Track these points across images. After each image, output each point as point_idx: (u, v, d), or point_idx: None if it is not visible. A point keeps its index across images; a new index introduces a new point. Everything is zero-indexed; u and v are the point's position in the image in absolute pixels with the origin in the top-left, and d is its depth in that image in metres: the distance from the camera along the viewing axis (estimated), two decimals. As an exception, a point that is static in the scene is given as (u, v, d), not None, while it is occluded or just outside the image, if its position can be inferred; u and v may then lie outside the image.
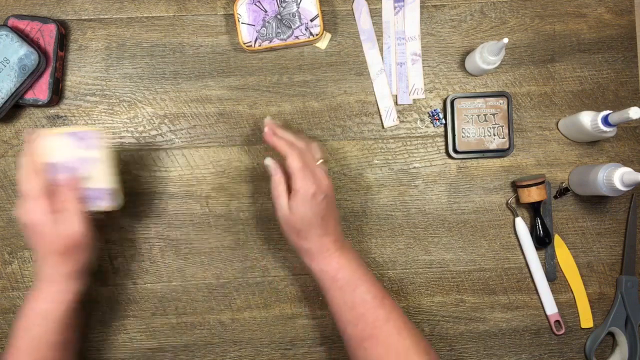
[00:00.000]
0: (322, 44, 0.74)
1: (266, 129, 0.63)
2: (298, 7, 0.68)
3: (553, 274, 0.75)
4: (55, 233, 0.58)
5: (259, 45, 0.67)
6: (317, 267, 0.62)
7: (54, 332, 0.60)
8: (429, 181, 0.76)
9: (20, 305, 0.73)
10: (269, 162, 0.63)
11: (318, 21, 0.69)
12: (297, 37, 0.68)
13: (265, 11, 0.66)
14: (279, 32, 0.67)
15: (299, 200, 0.60)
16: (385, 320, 0.59)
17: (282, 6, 0.67)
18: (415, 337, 0.60)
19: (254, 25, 0.66)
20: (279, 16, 0.67)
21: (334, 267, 0.61)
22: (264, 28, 0.66)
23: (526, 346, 0.75)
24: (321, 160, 0.63)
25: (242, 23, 0.67)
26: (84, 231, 0.59)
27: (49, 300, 0.60)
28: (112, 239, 0.73)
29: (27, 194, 0.59)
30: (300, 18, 0.68)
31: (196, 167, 0.74)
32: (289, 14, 0.67)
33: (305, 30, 0.68)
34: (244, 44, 0.67)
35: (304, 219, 0.60)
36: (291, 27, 0.67)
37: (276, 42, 0.68)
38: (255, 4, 0.66)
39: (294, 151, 0.61)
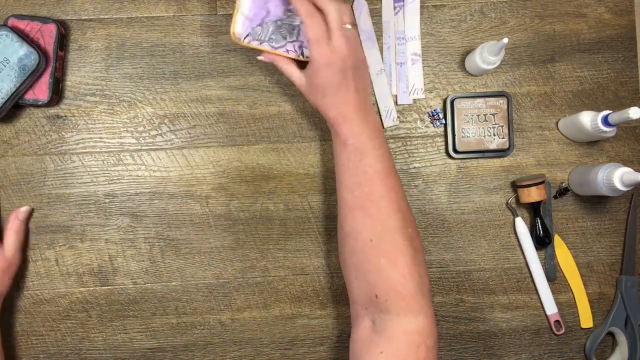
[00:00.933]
0: None
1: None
2: (302, 23, 0.65)
3: (553, 274, 0.75)
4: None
5: (248, 42, 0.64)
6: (332, 129, 0.63)
7: None
8: (429, 181, 0.76)
9: (20, 305, 0.73)
10: (262, 57, 0.64)
11: None
12: (287, 50, 0.65)
13: (269, 12, 0.64)
14: (272, 38, 0.64)
15: (314, 70, 0.60)
16: (380, 196, 0.59)
17: (287, 14, 0.65)
18: (405, 221, 0.60)
19: (251, 20, 0.63)
20: (279, 22, 0.64)
21: (346, 134, 0.61)
22: (259, 27, 0.64)
23: (526, 346, 0.76)
24: (348, 25, 0.61)
25: (240, 13, 0.63)
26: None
27: None
28: (112, 239, 0.73)
29: None
30: (299, 34, 0.66)
31: (196, 167, 0.74)
32: (290, 25, 0.65)
33: (299, 48, 0.66)
34: (234, 33, 0.63)
35: (319, 88, 0.61)
36: (286, 39, 0.65)
37: (265, 47, 0.64)
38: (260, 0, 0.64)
39: (308, 18, 0.59)
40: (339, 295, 0.75)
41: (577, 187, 0.74)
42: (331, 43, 0.59)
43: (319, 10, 0.61)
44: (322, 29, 0.60)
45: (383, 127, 0.75)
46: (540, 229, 0.74)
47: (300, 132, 0.75)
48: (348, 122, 0.61)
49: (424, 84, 0.76)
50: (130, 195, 0.73)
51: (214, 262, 0.74)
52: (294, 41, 0.65)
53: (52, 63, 0.71)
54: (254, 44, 0.64)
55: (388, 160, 0.62)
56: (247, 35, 0.64)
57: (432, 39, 0.77)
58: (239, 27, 0.63)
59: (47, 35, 0.71)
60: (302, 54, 0.65)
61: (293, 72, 0.64)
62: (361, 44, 0.65)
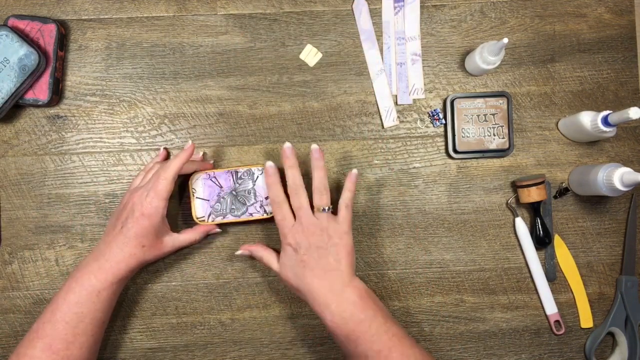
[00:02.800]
0: (312, 61, 0.75)
1: (288, 152, 0.65)
2: (254, 184, 0.69)
3: (553, 274, 0.75)
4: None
5: (212, 221, 0.68)
6: (320, 317, 0.63)
7: (102, 310, 0.63)
8: (429, 181, 0.76)
9: (20, 305, 0.73)
10: (239, 252, 0.69)
11: None
12: (251, 214, 0.68)
13: (221, 187, 0.67)
14: (233, 209, 0.67)
15: (283, 254, 0.64)
16: None
17: (237, 182, 0.68)
18: None
19: (208, 201, 0.66)
20: (234, 192, 0.67)
21: (330, 325, 0.61)
22: (218, 204, 0.67)
23: (526, 346, 0.76)
24: (324, 209, 0.63)
25: (196, 197, 0.67)
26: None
27: (102, 279, 0.62)
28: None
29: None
30: (255, 195, 0.69)
31: (196, 167, 0.74)
32: (245, 190, 0.68)
33: (260, 207, 0.69)
34: (197, 218, 0.67)
35: (294, 273, 0.63)
36: (246, 204, 0.68)
37: (230, 219, 0.68)
38: (211, 180, 0.67)
39: (276, 212, 0.64)
40: (339, 295, 0.75)
41: (577, 187, 0.74)
42: (294, 224, 0.63)
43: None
44: (286, 211, 0.64)
45: (383, 127, 0.75)
46: (540, 229, 0.74)
47: (300, 132, 0.75)
48: (326, 310, 0.60)
49: (424, 84, 0.76)
50: (130, 195, 0.73)
51: (214, 262, 0.74)
52: (253, 203, 0.69)
53: (52, 63, 0.71)
54: (218, 220, 0.68)
55: (385, 331, 0.60)
56: (210, 214, 0.68)
57: (432, 39, 0.77)
58: (199, 210, 0.68)
59: (47, 35, 0.71)
60: (265, 212, 0.69)
61: (272, 261, 0.67)
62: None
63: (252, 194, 0.68)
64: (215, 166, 0.73)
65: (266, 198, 0.69)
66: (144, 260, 0.65)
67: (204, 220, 0.66)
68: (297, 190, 0.64)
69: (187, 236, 0.68)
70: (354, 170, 0.67)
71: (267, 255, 0.67)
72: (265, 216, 0.69)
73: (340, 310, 0.60)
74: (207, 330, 0.74)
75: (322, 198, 0.64)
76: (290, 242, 0.62)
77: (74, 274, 0.63)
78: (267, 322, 0.74)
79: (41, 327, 0.61)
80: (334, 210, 0.65)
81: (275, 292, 0.75)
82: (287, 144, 0.65)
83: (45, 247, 0.73)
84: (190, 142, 0.70)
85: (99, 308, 0.62)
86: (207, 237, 0.73)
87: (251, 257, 0.70)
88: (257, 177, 0.69)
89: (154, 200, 0.62)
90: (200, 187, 0.66)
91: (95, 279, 0.62)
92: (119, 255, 0.63)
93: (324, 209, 0.63)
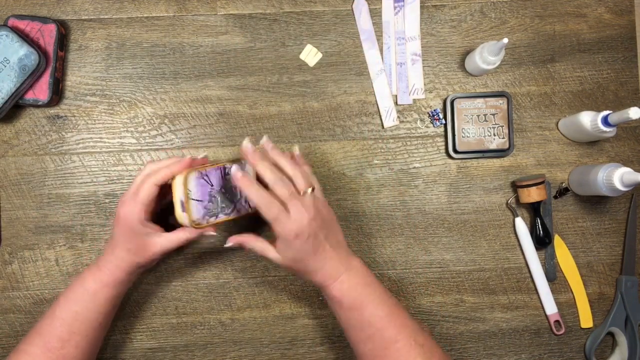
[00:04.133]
0: (311, 61, 0.75)
1: (249, 150, 0.61)
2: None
3: (553, 274, 0.75)
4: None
5: (206, 222, 0.64)
6: (324, 293, 0.63)
7: (97, 311, 0.63)
8: (429, 181, 0.76)
9: (20, 305, 0.73)
10: (228, 244, 0.65)
11: None
12: (238, 210, 0.66)
13: (212, 185, 0.65)
14: (223, 207, 0.65)
15: (284, 246, 0.60)
16: (394, 340, 0.59)
17: (226, 178, 0.66)
18: (428, 353, 0.59)
19: (202, 201, 0.64)
20: (222, 189, 0.65)
21: (338, 294, 0.61)
22: (210, 203, 0.65)
23: (526, 346, 0.76)
24: (309, 190, 0.61)
25: (192, 199, 0.63)
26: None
27: (97, 280, 0.62)
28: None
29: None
30: (241, 191, 0.66)
31: (196, 167, 0.74)
32: (231, 187, 0.66)
33: (245, 202, 0.67)
34: (193, 222, 0.63)
35: (295, 259, 0.61)
36: (233, 201, 0.66)
37: (221, 218, 0.65)
38: (203, 178, 0.64)
39: (262, 202, 0.59)
40: (339, 295, 0.75)
41: (577, 187, 0.74)
42: (290, 216, 0.59)
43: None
44: (276, 207, 0.59)
45: (383, 127, 0.75)
46: (540, 229, 0.74)
47: (300, 132, 0.75)
48: (336, 281, 0.61)
49: (424, 84, 0.76)
50: (130, 195, 0.73)
51: (214, 262, 0.74)
52: (239, 199, 0.66)
53: (52, 63, 0.71)
54: (212, 221, 0.64)
55: (388, 298, 0.62)
56: (204, 215, 0.64)
57: (432, 39, 0.77)
58: (196, 213, 0.63)
59: (47, 35, 0.71)
60: (250, 207, 0.67)
61: (267, 250, 0.63)
62: (324, 200, 0.64)
63: (237, 188, 0.66)
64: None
65: None
66: (136, 263, 0.63)
67: (199, 224, 0.63)
68: (279, 180, 0.60)
69: (179, 235, 0.64)
70: (297, 150, 0.65)
71: (260, 246, 0.64)
72: (250, 211, 0.67)
73: (349, 277, 0.61)
74: (207, 330, 0.74)
75: (301, 182, 0.61)
76: (291, 233, 0.60)
77: (80, 273, 0.64)
78: (267, 322, 0.74)
79: (41, 324, 0.62)
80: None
81: (275, 292, 0.75)
82: (245, 142, 0.62)
83: (45, 247, 0.73)
84: (204, 154, 0.69)
85: (94, 309, 0.62)
86: (202, 238, 0.73)
87: (241, 247, 0.67)
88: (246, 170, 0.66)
89: (130, 205, 0.62)
90: (194, 187, 0.63)
91: (92, 280, 0.63)
92: (111, 257, 0.63)
93: (307, 191, 0.61)
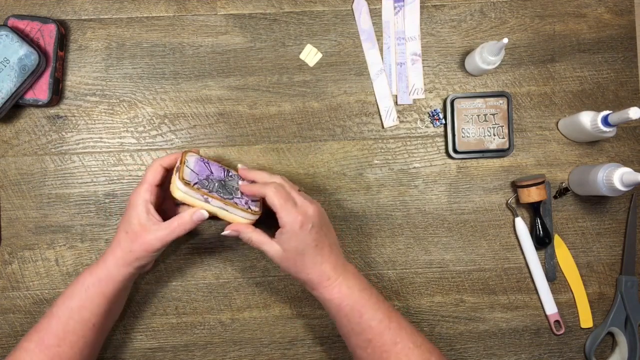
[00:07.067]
0: (312, 61, 0.75)
1: (241, 183, 0.66)
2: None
3: (553, 274, 0.75)
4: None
5: (197, 188, 0.62)
6: (321, 296, 0.62)
7: (91, 310, 0.62)
8: (429, 181, 0.76)
9: (20, 305, 0.73)
10: (226, 232, 0.64)
11: (259, 204, 0.67)
12: (235, 202, 0.64)
13: (211, 172, 0.65)
14: (219, 191, 0.64)
15: (288, 235, 0.60)
16: (393, 343, 0.59)
17: (228, 177, 0.67)
18: (426, 353, 0.60)
19: (197, 174, 0.63)
20: (223, 182, 0.66)
21: (337, 296, 0.61)
22: (205, 180, 0.64)
23: (526, 346, 0.76)
24: (299, 189, 0.63)
25: (186, 167, 0.63)
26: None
27: (92, 274, 0.63)
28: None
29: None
30: (242, 194, 0.66)
31: (196, 167, 0.74)
32: (233, 187, 0.66)
33: (245, 203, 0.65)
34: (183, 178, 0.61)
35: (297, 251, 0.60)
36: (232, 195, 0.65)
37: (215, 196, 0.63)
38: (203, 163, 0.64)
39: (269, 188, 0.61)
40: (339, 295, 0.75)
41: (577, 187, 0.74)
42: (297, 204, 0.61)
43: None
44: (285, 192, 0.61)
45: (383, 127, 0.75)
46: (540, 229, 0.74)
47: (300, 132, 0.75)
48: (334, 282, 0.61)
49: (424, 84, 0.76)
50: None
51: (214, 262, 0.74)
52: (240, 197, 0.66)
53: (52, 63, 0.71)
54: (204, 191, 0.62)
55: (383, 302, 0.62)
56: (196, 182, 0.63)
57: (432, 39, 0.77)
58: (187, 175, 0.62)
59: (47, 35, 0.71)
60: (250, 208, 0.65)
61: (265, 243, 0.62)
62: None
63: (239, 191, 0.66)
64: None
65: (253, 200, 0.66)
66: (131, 252, 0.62)
67: (189, 183, 0.61)
68: (279, 179, 0.63)
69: (174, 222, 0.62)
70: (241, 166, 0.68)
71: (257, 238, 0.62)
72: (249, 211, 0.64)
73: (346, 280, 0.62)
74: (207, 330, 0.74)
75: (291, 184, 0.64)
76: (297, 220, 0.59)
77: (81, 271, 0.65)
78: (267, 322, 0.74)
79: (40, 322, 0.62)
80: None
81: (275, 292, 0.75)
82: (240, 166, 0.67)
83: (45, 247, 0.73)
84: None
85: (86, 306, 0.62)
86: (197, 232, 0.73)
87: (237, 238, 0.66)
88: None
89: (137, 188, 0.63)
90: (193, 163, 0.64)
91: (88, 274, 0.63)
92: (108, 249, 0.64)
93: (302, 190, 0.63)
